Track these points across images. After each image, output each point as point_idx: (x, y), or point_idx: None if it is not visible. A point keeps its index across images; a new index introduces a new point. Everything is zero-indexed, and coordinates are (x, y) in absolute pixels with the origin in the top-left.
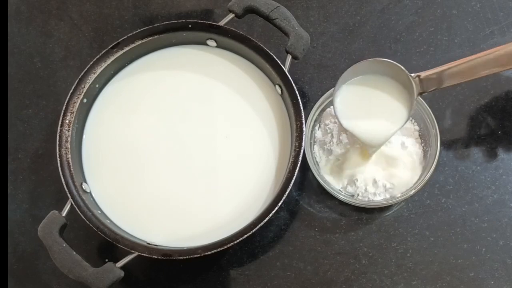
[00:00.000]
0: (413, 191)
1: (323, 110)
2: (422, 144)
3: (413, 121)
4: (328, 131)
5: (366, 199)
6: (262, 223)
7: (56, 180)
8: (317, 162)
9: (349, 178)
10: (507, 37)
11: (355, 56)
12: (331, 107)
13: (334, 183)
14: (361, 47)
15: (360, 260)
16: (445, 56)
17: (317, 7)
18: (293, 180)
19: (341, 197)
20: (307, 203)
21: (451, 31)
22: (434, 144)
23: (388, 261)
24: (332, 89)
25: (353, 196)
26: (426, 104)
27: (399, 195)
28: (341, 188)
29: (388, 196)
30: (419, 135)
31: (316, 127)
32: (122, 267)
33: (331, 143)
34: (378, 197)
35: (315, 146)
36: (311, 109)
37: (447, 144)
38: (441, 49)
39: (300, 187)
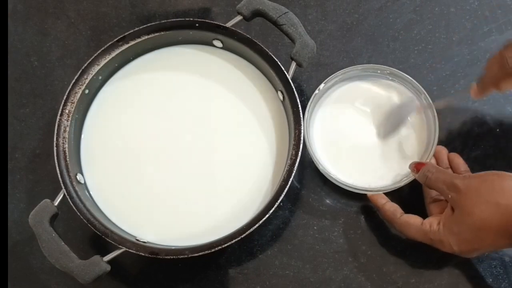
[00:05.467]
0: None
1: (320, 97)
2: (422, 141)
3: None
4: (327, 119)
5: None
6: (250, 230)
7: (54, 180)
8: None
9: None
10: (505, 35)
11: (353, 54)
12: (330, 94)
13: (335, 174)
14: (359, 45)
15: (359, 258)
16: (443, 54)
17: (315, 5)
18: (286, 189)
19: (345, 187)
20: (306, 201)
21: (449, 29)
22: (432, 141)
23: (387, 259)
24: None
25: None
26: (430, 99)
27: (396, 184)
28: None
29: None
30: (419, 131)
31: (316, 116)
32: (111, 262)
33: (330, 131)
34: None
35: (315, 136)
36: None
37: (445, 142)
38: (439, 47)
39: (299, 186)
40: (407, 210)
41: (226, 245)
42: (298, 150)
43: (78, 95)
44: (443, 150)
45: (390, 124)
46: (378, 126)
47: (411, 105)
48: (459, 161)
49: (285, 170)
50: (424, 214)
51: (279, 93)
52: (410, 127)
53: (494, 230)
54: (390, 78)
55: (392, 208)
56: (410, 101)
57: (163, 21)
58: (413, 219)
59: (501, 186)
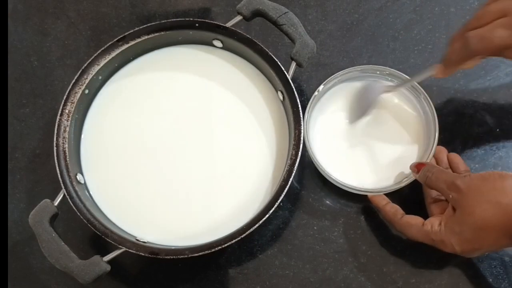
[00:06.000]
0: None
1: (320, 98)
2: (421, 140)
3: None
4: (328, 120)
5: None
6: (250, 230)
7: (54, 180)
8: (315, 154)
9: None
10: None
11: (353, 54)
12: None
13: (335, 175)
14: (359, 45)
15: (359, 258)
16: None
17: (315, 5)
18: (286, 189)
19: (346, 188)
20: (305, 201)
21: (449, 29)
22: (432, 141)
23: (387, 259)
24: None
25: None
26: (430, 100)
27: (396, 185)
28: (341, 177)
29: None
30: (419, 132)
31: (316, 117)
32: (111, 262)
33: (330, 131)
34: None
35: (315, 136)
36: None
37: (445, 142)
38: (439, 47)
39: (299, 186)
40: (407, 211)
41: (226, 245)
42: (298, 150)
43: (78, 95)
44: (443, 150)
45: (359, 109)
46: (349, 111)
47: (376, 86)
48: (459, 161)
49: (285, 170)
50: (424, 215)
51: (279, 93)
52: (410, 127)
53: (495, 230)
54: (390, 78)
55: (393, 209)
56: (374, 83)
57: (163, 21)
58: (414, 220)
59: (502, 185)
